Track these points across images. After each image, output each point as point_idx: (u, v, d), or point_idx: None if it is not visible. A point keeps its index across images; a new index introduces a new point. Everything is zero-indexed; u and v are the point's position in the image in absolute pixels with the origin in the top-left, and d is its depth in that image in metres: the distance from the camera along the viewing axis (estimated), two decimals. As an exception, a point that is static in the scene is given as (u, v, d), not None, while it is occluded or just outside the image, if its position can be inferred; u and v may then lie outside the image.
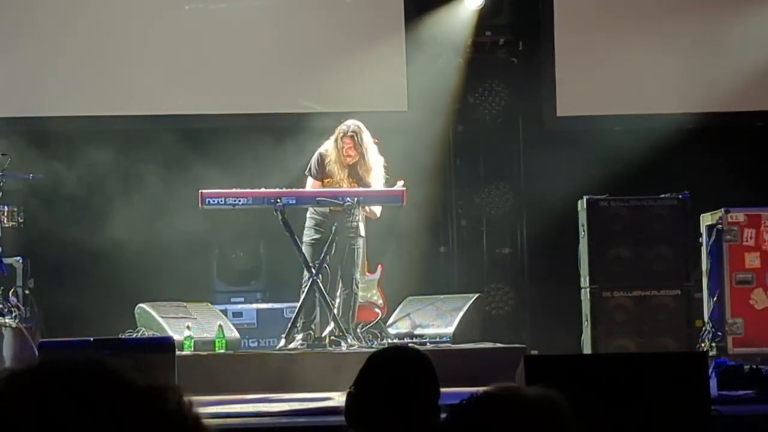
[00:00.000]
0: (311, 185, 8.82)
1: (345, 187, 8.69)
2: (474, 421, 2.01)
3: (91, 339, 6.79)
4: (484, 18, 10.85)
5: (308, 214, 8.87)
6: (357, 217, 8.65)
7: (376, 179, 8.78)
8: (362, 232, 8.79)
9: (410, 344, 8.56)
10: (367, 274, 9.43)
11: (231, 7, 10.59)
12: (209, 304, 9.59)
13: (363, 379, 3.35)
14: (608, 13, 10.79)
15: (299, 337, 8.68)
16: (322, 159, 8.78)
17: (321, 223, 8.82)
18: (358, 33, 10.64)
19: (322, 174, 8.77)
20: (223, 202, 8.58)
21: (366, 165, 8.71)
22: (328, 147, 8.76)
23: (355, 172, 8.76)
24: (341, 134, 8.66)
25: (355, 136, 8.64)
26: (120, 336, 8.46)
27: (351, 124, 8.71)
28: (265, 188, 8.74)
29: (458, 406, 2.05)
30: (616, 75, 10.67)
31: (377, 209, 8.91)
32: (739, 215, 9.06)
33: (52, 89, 10.02)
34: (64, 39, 10.34)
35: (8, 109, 10.09)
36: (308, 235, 8.83)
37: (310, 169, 8.83)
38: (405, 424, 3.26)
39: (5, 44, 10.30)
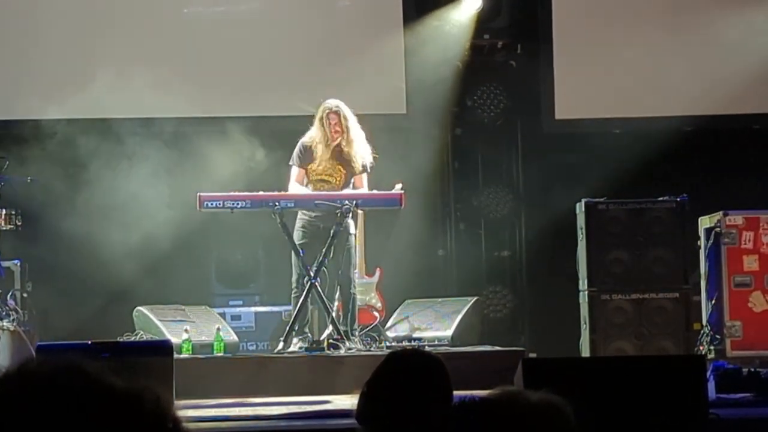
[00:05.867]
0: (296, 174, 8.80)
1: (328, 168, 8.71)
2: (477, 424, 2.01)
3: (89, 342, 6.77)
4: (482, 21, 10.85)
5: (298, 215, 8.84)
6: (348, 217, 8.64)
7: (361, 151, 8.76)
8: (352, 230, 8.78)
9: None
10: (365, 276, 9.42)
11: (229, 10, 10.60)
12: (207, 307, 9.59)
13: (379, 378, 3.31)
14: (606, 16, 10.80)
15: (296, 340, 8.67)
16: (305, 146, 8.78)
17: (307, 224, 8.80)
18: (356, 35, 10.64)
19: (307, 160, 8.77)
20: (221, 205, 8.58)
21: (349, 137, 8.72)
22: (311, 133, 8.78)
23: (339, 151, 8.75)
24: (326, 111, 8.70)
25: (339, 111, 8.67)
26: (118, 339, 8.45)
27: (332, 101, 8.76)
28: (263, 191, 8.73)
29: (457, 408, 2.04)
30: (615, 78, 10.68)
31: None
32: (737, 218, 9.06)
33: (49, 91, 10.00)
34: (63, 40, 10.33)
35: (7, 111, 10.08)
36: (296, 237, 8.79)
37: (293, 158, 8.84)
38: (417, 426, 3.23)
39: (4, 44, 10.30)
